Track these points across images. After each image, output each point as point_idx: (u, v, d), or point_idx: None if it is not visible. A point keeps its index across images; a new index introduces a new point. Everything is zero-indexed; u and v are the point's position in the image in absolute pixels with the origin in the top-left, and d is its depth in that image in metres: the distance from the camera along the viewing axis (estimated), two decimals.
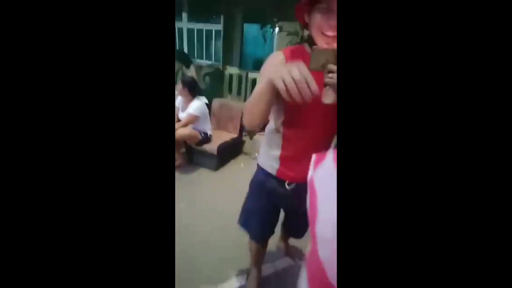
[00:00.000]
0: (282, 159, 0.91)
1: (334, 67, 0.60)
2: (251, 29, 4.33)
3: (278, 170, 0.93)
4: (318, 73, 0.61)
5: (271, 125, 0.91)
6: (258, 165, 1.02)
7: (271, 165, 0.94)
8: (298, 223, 1.16)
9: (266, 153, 0.96)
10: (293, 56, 0.79)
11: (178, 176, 2.43)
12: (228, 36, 4.41)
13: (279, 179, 0.93)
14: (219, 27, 4.43)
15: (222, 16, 4.31)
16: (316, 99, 0.65)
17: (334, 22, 0.67)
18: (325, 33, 0.69)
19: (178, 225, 1.75)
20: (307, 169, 0.75)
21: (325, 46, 0.70)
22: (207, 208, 1.94)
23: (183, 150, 2.62)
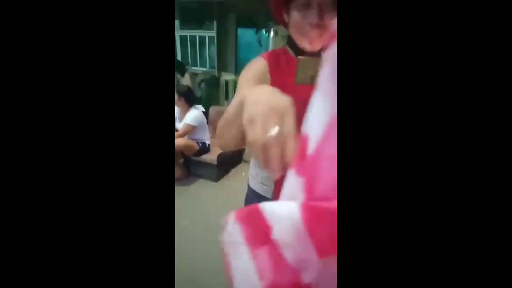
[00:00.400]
0: (276, 180, 0.81)
1: None
2: (245, 34, 4.27)
3: (273, 193, 0.83)
4: (305, 86, 0.51)
5: None
6: (249, 187, 0.91)
7: (264, 187, 0.84)
8: None
9: (257, 175, 0.86)
10: (276, 62, 0.70)
11: (177, 190, 2.33)
12: (222, 42, 4.35)
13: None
14: (213, 33, 4.36)
15: (215, 22, 4.25)
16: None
17: (314, 20, 0.59)
18: (306, 33, 0.62)
19: (179, 241, 1.66)
20: None
21: (307, 46, 0.63)
22: (209, 222, 1.84)
23: (181, 161, 2.53)
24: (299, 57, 0.52)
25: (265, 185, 0.83)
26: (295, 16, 0.62)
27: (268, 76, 0.68)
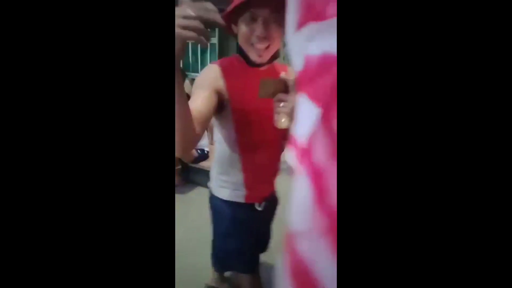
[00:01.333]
0: (247, 183, 0.82)
1: (283, 97, 0.59)
2: None
3: (246, 196, 0.83)
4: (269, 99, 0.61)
5: (222, 148, 0.81)
6: (214, 196, 0.88)
7: (236, 193, 0.83)
8: (266, 237, 1.06)
9: (224, 181, 0.84)
10: (229, 67, 0.73)
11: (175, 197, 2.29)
12: (223, 49, 4.37)
13: (248, 204, 0.85)
14: (214, 40, 4.38)
15: (216, 29, 4.27)
16: (269, 121, 0.63)
17: (261, 33, 0.63)
18: (254, 45, 0.66)
19: (177, 249, 1.61)
20: (271, 182, 0.92)
21: (257, 59, 0.69)
22: (207, 230, 1.79)
23: (179, 168, 2.49)
24: (262, 79, 0.60)
25: (236, 190, 0.83)
26: (243, 29, 0.66)
27: (222, 80, 0.71)
